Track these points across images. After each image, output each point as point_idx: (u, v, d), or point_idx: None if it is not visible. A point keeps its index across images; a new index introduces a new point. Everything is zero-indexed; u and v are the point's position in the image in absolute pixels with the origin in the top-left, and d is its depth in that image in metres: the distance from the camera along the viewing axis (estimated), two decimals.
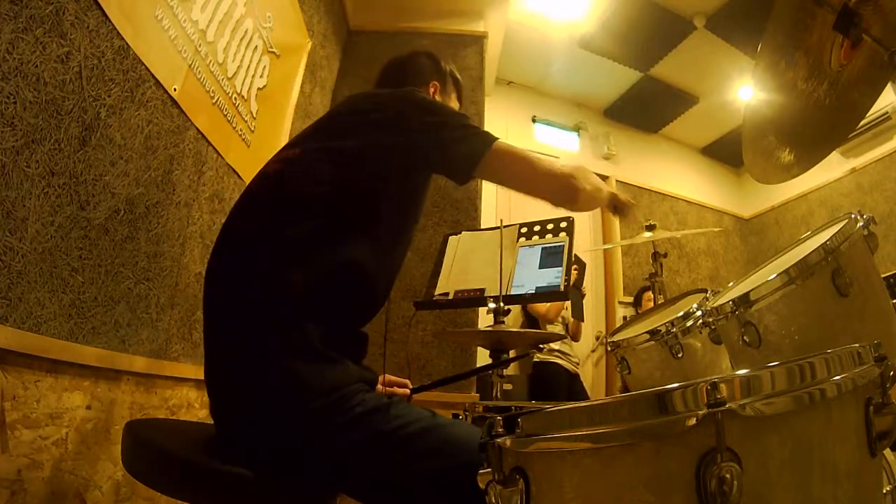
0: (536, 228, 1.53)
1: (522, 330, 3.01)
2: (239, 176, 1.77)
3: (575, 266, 3.28)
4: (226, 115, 1.64)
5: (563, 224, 1.50)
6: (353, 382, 0.78)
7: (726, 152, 4.76)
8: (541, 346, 3.38)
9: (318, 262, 0.80)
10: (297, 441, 0.73)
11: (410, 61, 1.21)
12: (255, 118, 1.83)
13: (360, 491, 0.75)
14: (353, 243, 0.83)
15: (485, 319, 2.46)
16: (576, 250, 1.65)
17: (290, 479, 0.72)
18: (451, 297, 1.55)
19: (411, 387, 1.29)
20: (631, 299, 4.05)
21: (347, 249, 0.82)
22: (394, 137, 0.90)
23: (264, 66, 1.90)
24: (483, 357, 2.49)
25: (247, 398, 0.75)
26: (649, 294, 2.61)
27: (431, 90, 1.17)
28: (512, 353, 1.64)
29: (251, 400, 0.75)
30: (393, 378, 1.30)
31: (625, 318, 3.66)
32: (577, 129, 4.54)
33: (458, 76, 1.26)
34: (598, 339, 4.03)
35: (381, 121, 0.92)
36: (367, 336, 0.90)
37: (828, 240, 0.89)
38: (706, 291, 1.41)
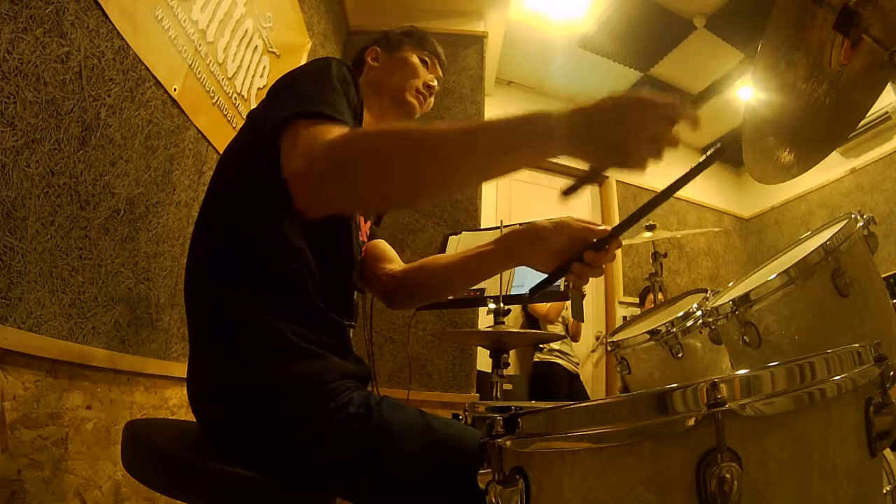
0: None
1: (522, 330, 3.01)
2: None
3: None
4: (226, 115, 1.64)
5: None
6: (336, 378, 0.76)
7: (726, 152, 4.76)
8: (541, 345, 3.39)
9: (264, 255, 0.77)
10: (287, 444, 0.72)
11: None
12: None
13: (354, 495, 0.74)
14: (288, 232, 0.77)
15: (485, 319, 2.46)
16: None
17: (285, 479, 0.72)
18: (451, 296, 1.55)
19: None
20: (631, 299, 4.05)
21: (283, 239, 0.77)
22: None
23: (264, 66, 1.90)
24: (483, 357, 2.49)
25: (231, 402, 0.74)
26: (651, 296, 2.61)
27: (370, 57, 1.11)
28: (512, 353, 1.64)
29: (235, 404, 0.73)
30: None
31: (625, 318, 3.66)
32: None
33: (417, 30, 1.15)
34: (598, 339, 4.03)
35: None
36: (344, 326, 0.87)
37: (828, 240, 0.89)
38: (706, 291, 1.41)
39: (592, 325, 4.05)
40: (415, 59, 1.10)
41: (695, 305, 1.30)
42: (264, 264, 0.75)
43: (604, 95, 0.62)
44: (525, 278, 1.50)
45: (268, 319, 0.75)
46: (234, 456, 0.71)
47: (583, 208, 4.37)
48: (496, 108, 4.04)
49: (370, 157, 0.62)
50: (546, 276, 0.87)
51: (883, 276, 1.00)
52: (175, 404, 1.45)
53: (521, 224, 1.29)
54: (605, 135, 0.60)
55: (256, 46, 1.83)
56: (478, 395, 2.46)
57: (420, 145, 0.62)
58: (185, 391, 1.51)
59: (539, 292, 0.87)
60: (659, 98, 0.61)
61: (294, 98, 0.74)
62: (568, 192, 0.66)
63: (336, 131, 0.66)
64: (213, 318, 0.77)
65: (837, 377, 0.45)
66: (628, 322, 1.75)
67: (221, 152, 1.65)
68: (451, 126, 0.61)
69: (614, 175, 4.47)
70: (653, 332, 1.36)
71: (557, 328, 3.42)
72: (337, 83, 0.77)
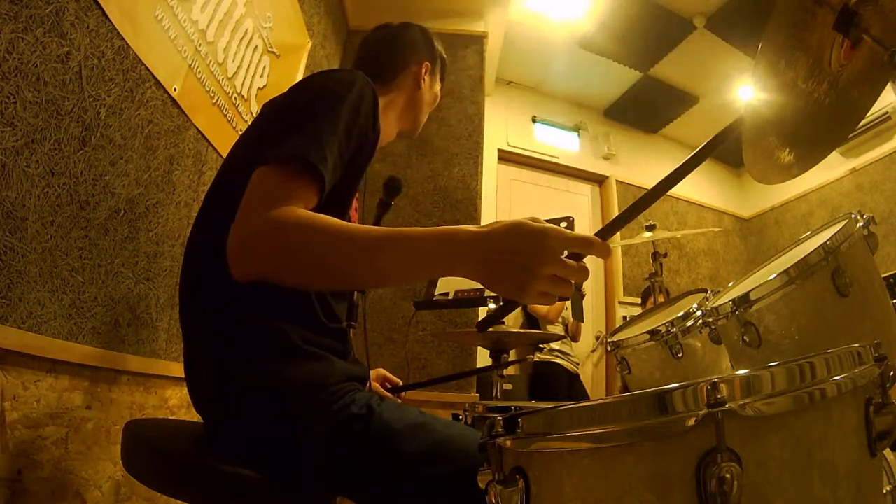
0: None
1: (522, 330, 3.01)
2: None
3: None
4: (226, 115, 1.64)
5: (563, 224, 1.49)
6: (340, 380, 0.77)
7: (726, 152, 4.77)
8: (541, 345, 3.39)
9: None
10: (289, 443, 0.72)
11: (404, 32, 1.15)
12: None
13: (356, 494, 0.74)
14: None
15: None
16: None
17: (287, 480, 0.72)
18: (451, 297, 1.55)
19: (401, 384, 1.32)
20: (631, 299, 4.05)
21: None
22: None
23: (264, 66, 1.90)
24: (483, 357, 2.49)
25: (234, 402, 0.74)
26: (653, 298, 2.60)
27: (423, 70, 1.12)
28: (512, 354, 1.65)
29: (239, 403, 0.74)
30: (387, 374, 1.32)
31: (625, 318, 3.66)
32: (577, 129, 4.54)
33: (445, 56, 1.20)
34: (598, 339, 4.03)
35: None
36: (346, 331, 0.88)
37: (828, 240, 0.89)
38: (706, 291, 1.41)
39: (592, 325, 4.05)
40: (438, 96, 1.18)
41: (695, 305, 1.30)
42: None
43: (515, 222, 0.63)
44: None
45: (272, 321, 0.76)
46: (237, 455, 0.71)
47: (583, 208, 4.38)
48: (496, 107, 4.04)
49: (293, 254, 0.65)
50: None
51: (883, 276, 1.00)
52: (175, 404, 1.45)
53: None
54: (505, 267, 0.61)
55: (256, 46, 1.83)
56: (478, 395, 2.47)
57: (338, 250, 0.65)
58: (184, 391, 1.51)
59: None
60: (567, 236, 0.61)
61: (292, 132, 0.73)
62: (482, 328, 0.68)
63: (289, 207, 0.66)
64: (218, 319, 0.77)
65: (837, 377, 0.45)
66: (628, 322, 1.75)
67: (222, 152, 1.66)
68: (368, 234, 0.66)
69: (615, 174, 4.48)
70: (653, 332, 1.36)
71: (557, 328, 3.42)
72: (345, 115, 0.77)
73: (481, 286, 1.54)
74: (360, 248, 0.65)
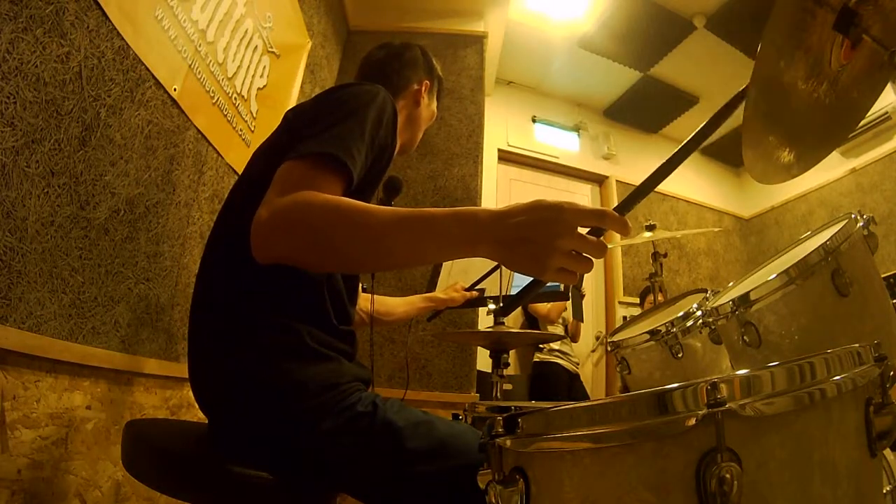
0: None
1: (522, 330, 3.01)
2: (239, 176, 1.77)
3: None
4: (226, 115, 1.64)
5: None
6: (348, 380, 0.78)
7: (726, 152, 4.77)
8: (541, 345, 3.39)
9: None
10: (295, 441, 0.73)
11: (406, 52, 1.17)
12: (255, 118, 1.83)
13: (358, 491, 0.75)
14: None
15: (485, 320, 2.46)
16: None
17: (289, 478, 0.72)
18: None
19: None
20: (631, 299, 4.05)
21: None
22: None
23: (264, 66, 1.90)
24: (483, 357, 2.49)
25: (243, 399, 0.74)
26: (652, 297, 2.60)
27: (423, 88, 1.15)
28: (512, 353, 1.65)
29: (247, 401, 0.74)
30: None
31: (625, 318, 3.66)
32: (577, 129, 4.54)
33: (442, 76, 1.24)
34: (598, 339, 4.03)
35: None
36: (354, 333, 0.90)
37: (828, 240, 0.90)
38: (706, 291, 1.41)
39: (592, 325, 4.05)
40: (435, 114, 1.22)
41: (695, 305, 1.30)
42: (290, 270, 0.76)
43: (532, 201, 0.62)
44: (524, 279, 1.50)
45: (287, 321, 0.77)
46: (239, 454, 0.72)
47: None
48: (496, 107, 4.04)
49: (315, 230, 0.65)
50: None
51: (883, 276, 1.00)
52: (175, 404, 1.45)
53: None
54: (524, 244, 0.61)
55: (256, 46, 1.83)
56: (478, 395, 2.46)
57: (360, 228, 0.65)
58: (185, 391, 1.51)
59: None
60: (581, 209, 0.61)
61: (319, 133, 0.75)
62: (502, 312, 0.65)
63: (312, 192, 0.67)
64: (233, 317, 0.78)
65: (837, 377, 0.45)
66: (628, 322, 1.75)
67: (222, 151, 1.66)
68: (391, 213, 0.65)
69: (615, 174, 4.48)
70: (653, 332, 1.36)
71: (557, 328, 3.42)
72: (370, 124, 0.79)
73: (482, 287, 1.55)
74: (384, 226, 0.64)
